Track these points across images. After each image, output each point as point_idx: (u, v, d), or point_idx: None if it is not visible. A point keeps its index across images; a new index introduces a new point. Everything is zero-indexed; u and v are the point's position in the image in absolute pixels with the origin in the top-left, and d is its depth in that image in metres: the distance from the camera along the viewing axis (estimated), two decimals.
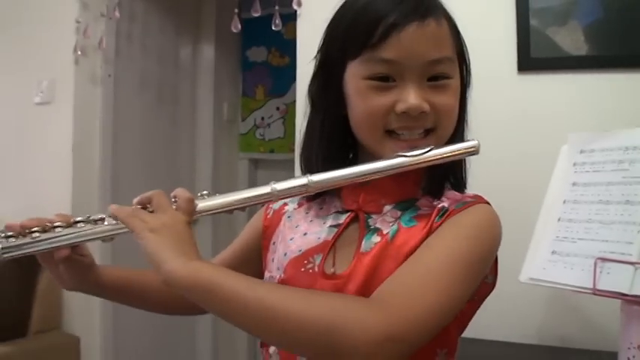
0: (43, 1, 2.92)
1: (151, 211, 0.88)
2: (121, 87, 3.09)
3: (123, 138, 3.12)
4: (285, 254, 0.99)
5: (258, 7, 2.37)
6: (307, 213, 1.03)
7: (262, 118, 3.94)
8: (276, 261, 1.01)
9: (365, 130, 0.93)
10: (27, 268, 2.66)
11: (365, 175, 0.89)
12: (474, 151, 0.89)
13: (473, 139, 0.90)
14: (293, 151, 3.75)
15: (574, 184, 1.41)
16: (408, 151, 0.87)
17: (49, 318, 2.77)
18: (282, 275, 0.97)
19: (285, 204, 1.07)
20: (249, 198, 0.90)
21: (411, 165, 0.87)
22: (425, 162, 0.88)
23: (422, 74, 0.88)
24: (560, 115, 1.89)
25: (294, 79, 2.33)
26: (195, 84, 3.76)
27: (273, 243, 1.05)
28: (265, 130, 3.94)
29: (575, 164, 1.43)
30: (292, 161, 2.31)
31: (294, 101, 2.26)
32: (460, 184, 0.99)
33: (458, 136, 0.96)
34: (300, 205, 1.05)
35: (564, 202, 1.39)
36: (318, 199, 1.01)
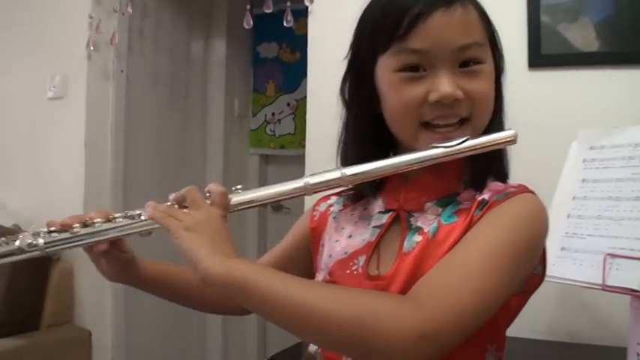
0: None
1: (186, 207, 0.88)
2: (133, 82, 3.11)
3: (135, 133, 3.14)
4: (330, 256, 0.99)
5: (270, 4, 2.38)
6: (352, 214, 1.03)
7: (273, 114, 3.94)
8: (322, 262, 1.01)
9: (400, 124, 0.92)
10: (39, 262, 2.69)
11: (399, 166, 0.88)
12: (512, 141, 0.87)
13: (510, 129, 0.88)
14: (303, 146, 3.70)
15: (584, 180, 1.41)
16: (443, 142, 0.86)
17: (61, 312, 2.79)
18: (328, 277, 0.98)
19: (331, 205, 1.08)
20: (282, 192, 0.90)
21: (447, 156, 0.86)
22: (460, 153, 0.86)
23: (453, 61, 0.87)
24: (570, 111, 1.89)
25: (304, 74, 2.34)
26: (206, 79, 3.77)
27: (322, 245, 1.05)
28: (276, 125, 3.94)
29: (584, 160, 1.43)
30: (302, 157, 2.32)
31: (305, 97, 2.26)
32: (502, 175, 0.96)
33: (495, 125, 0.93)
34: (345, 206, 1.05)
35: (574, 198, 1.39)
36: (362, 200, 1.02)
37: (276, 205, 3.78)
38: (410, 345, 0.70)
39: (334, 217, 1.05)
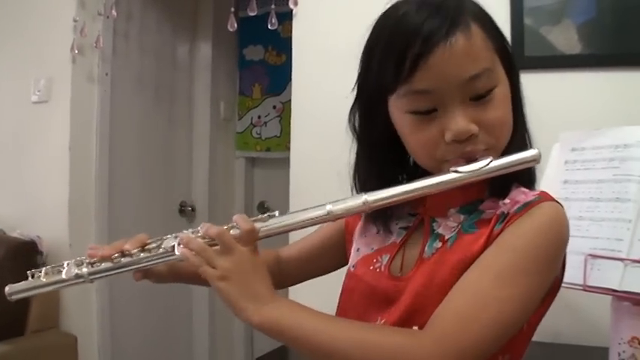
0: (41, 0, 2.93)
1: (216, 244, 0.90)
2: (118, 86, 3.10)
3: (120, 136, 3.12)
4: (358, 250, 1.03)
5: (255, 6, 2.38)
6: (383, 212, 1.01)
7: (259, 117, 3.94)
8: (351, 255, 1.05)
9: (421, 160, 0.92)
10: (24, 266, 2.66)
11: (421, 192, 0.87)
12: (535, 162, 0.86)
13: (533, 149, 0.86)
14: (289, 149, 3.73)
15: (565, 181, 1.42)
16: (464, 164, 0.85)
17: (47, 317, 2.77)
18: (353, 269, 1.02)
19: None
20: (306, 220, 0.92)
21: (468, 179, 0.85)
22: (481, 176, 0.85)
23: (463, 95, 0.84)
24: (553, 113, 1.88)
25: (290, 77, 2.34)
26: (192, 82, 3.77)
27: (354, 239, 1.08)
28: (262, 128, 3.93)
29: (566, 162, 1.44)
30: (288, 160, 2.33)
31: (290, 100, 2.26)
32: (529, 180, 0.94)
33: (517, 140, 0.91)
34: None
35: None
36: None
37: (264, 207, 3.78)
38: None
39: (366, 215, 1.06)
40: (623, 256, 1.21)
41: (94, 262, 0.99)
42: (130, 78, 3.25)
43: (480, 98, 0.84)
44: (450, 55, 0.81)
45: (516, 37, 1.95)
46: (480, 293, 0.79)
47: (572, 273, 1.25)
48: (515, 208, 0.86)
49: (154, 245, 0.97)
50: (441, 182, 0.86)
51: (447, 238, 0.91)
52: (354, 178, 1.00)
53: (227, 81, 3.96)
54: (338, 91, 2.17)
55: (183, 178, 3.67)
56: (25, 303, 2.65)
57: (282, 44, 3.69)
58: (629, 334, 1.20)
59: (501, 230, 0.86)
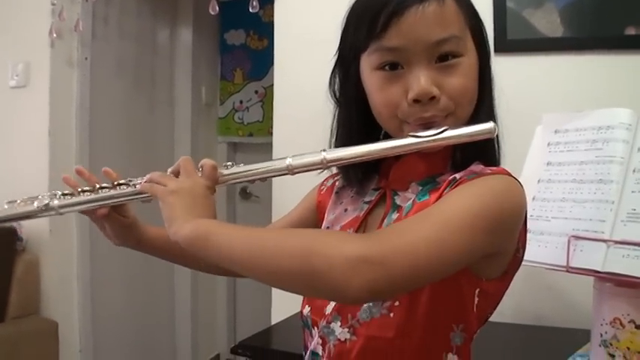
0: None
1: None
2: (98, 70, 3.07)
3: (100, 122, 3.10)
4: (328, 228, 1.05)
5: None
6: (351, 190, 1.06)
7: (241, 102, 3.93)
8: None
9: (383, 120, 0.93)
10: (4, 252, 2.65)
11: (377, 153, 0.90)
12: (490, 134, 0.86)
13: (490, 122, 0.86)
14: (272, 134, 3.72)
15: (548, 163, 1.42)
16: (422, 131, 0.87)
17: (27, 303, 2.75)
18: None
19: (337, 180, 1.11)
20: (266, 170, 0.96)
21: (425, 145, 0.87)
22: (438, 142, 0.87)
23: (429, 57, 0.87)
24: (535, 96, 1.90)
25: (272, 62, 2.33)
26: (172, 67, 3.74)
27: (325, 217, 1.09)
28: (244, 113, 3.92)
29: (549, 144, 1.44)
30: (271, 145, 2.32)
31: (273, 84, 2.25)
32: (491, 160, 0.95)
33: (480, 115, 0.92)
34: (347, 183, 1.07)
35: (539, 181, 1.40)
36: (363, 178, 1.04)
37: (246, 193, 3.78)
38: (351, 265, 0.69)
39: (336, 192, 1.09)
40: (605, 237, 1.20)
41: (67, 195, 1.06)
42: (110, 62, 3.22)
43: (444, 61, 0.87)
44: (421, 17, 0.85)
45: (499, 19, 1.95)
46: (426, 215, 0.79)
47: (556, 254, 1.27)
48: (469, 175, 0.87)
49: (123, 181, 1.05)
50: (397, 145, 0.88)
51: (403, 207, 0.94)
52: (330, 145, 1.02)
53: (208, 66, 3.94)
54: (320, 76, 2.19)
55: (165, 164, 3.49)
56: (4, 288, 2.63)
57: (264, 29, 3.69)
58: (611, 315, 1.20)
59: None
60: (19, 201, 1.10)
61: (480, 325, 0.93)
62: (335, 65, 1.01)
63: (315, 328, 0.97)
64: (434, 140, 0.86)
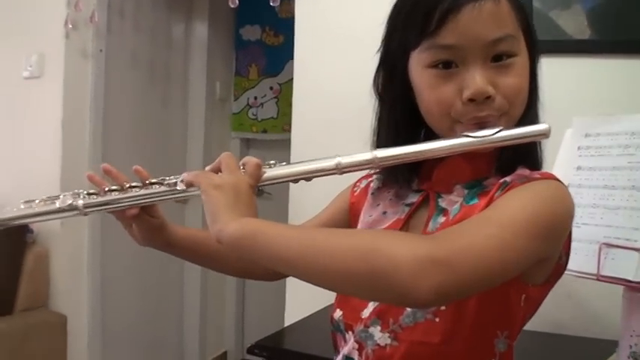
0: None
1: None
2: (112, 62, 3.05)
3: (113, 115, 3.08)
4: None
5: None
6: (389, 192, 1.03)
7: (255, 98, 3.90)
8: None
9: (434, 119, 0.90)
10: (14, 244, 2.63)
11: (429, 152, 0.88)
12: (544, 136, 0.85)
13: (544, 123, 0.86)
14: (286, 131, 3.71)
15: (578, 168, 1.38)
16: (476, 131, 0.85)
17: (36, 296, 2.73)
18: None
19: (371, 181, 1.08)
20: (313, 170, 0.91)
21: (478, 146, 0.85)
22: (491, 144, 0.85)
23: (484, 56, 0.85)
24: (563, 99, 1.85)
25: (288, 58, 2.31)
26: (187, 62, 3.72)
27: (359, 220, 1.06)
28: (258, 109, 3.89)
29: (579, 148, 1.41)
30: (285, 142, 2.30)
31: (288, 81, 2.22)
32: (535, 163, 0.94)
33: (529, 117, 0.91)
34: (384, 183, 1.05)
35: (568, 186, 1.35)
36: (398, 177, 1.01)
37: (259, 190, 3.74)
38: (420, 266, 0.67)
39: (372, 193, 1.06)
40: (638, 245, 1.17)
41: (92, 194, 0.98)
42: (125, 56, 3.19)
43: (499, 61, 0.85)
44: (477, 15, 0.83)
45: None
46: (485, 217, 0.79)
47: (586, 262, 1.23)
48: (520, 179, 0.86)
49: (155, 180, 0.97)
50: (451, 145, 0.86)
51: (450, 211, 0.91)
52: (372, 143, 0.99)
53: (223, 61, 3.91)
54: (341, 72, 2.19)
55: (178, 158, 3.63)
56: (14, 281, 2.62)
57: (280, 24, 3.68)
58: None
59: (501, 195, 0.85)
60: (37, 201, 1.00)
61: (521, 328, 0.91)
62: (380, 61, 0.97)
63: (350, 332, 0.95)
64: (489, 140, 0.85)
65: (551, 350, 1.69)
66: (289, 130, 3.65)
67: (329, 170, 0.90)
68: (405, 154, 0.88)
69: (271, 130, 3.83)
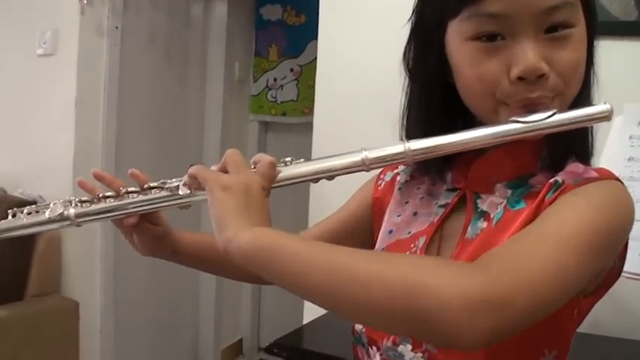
0: None
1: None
2: (128, 40, 2.97)
3: (129, 94, 3.00)
4: (391, 232, 0.92)
5: None
6: (418, 188, 0.93)
7: (275, 80, 3.80)
8: (380, 236, 0.94)
9: (476, 99, 0.79)
10: None
11: (472, 143, 0.77)
12: (606, 118, 0.74)
13: (604, 103, 0.75)
14: (306, 114, 3.67)
15: (630, 159, 1.31)
16: (525, 115, 0.74)
17: (48, 281, 2.68)
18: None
19: (398, 174, 0.98)
20: (336, 166, 0.80)
21: (529, 132, 0.74)
22: (545, 129, 0.74)
23: (537, 26, 0.73)
24: (610, 84, 1.74)
25: (309, 39, 2.21)
26: (205, 41, 3.63)
27: (384, 217, 0.96)
28: (278, 92, 3.80)
29: (631, 137, 1.32)
30: (304, 125, 2.22)
31: (309, 62, 2.12)
32: (585, 155, 0.84)
33: (583, 98, 0.80)
34: (412, 177, 0.95)
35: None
36: (431, 172, 0.91)
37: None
38: (470, 309, 0.58)
39: (399, 189, 0.96)
40: None
41: (85, 202, 0.88)
42: (141, 34, 3.11)
43: (555, 31, 0.74)
44: None
45: None
46: (539, 234, 0.68)
47: (637, 261, 1.12)
48: (574, 179, 0.76)
49: (154, 184, 0.87)
50: (498, 133, 0.75)
51: (492, 216, 0.81)
52: (402, 127, 0.90)
53: (242, 41, 3.82)
54: (366, 53, 2.08)
55: (194, 141, 3.56)
56: (25, 266, 2.56)
57: (302, 4, 3.58)
58: None
59: (554, 200, 0.75)
60: (25, 211, 0.91)
61: (571, 341, 0.81)
62: (411, 34, 0.86)
63: (374, 347, 0.85)
64: (542, 126, 0.74)
65: (584, 350, 1.59)
66: (309, 114, 3.60)
67: (354, 167, 0.80)
68: (443, 144, 0.77)
69: (291, 113, 3.74)
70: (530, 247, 0.66)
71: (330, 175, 0.81)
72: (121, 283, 2.98)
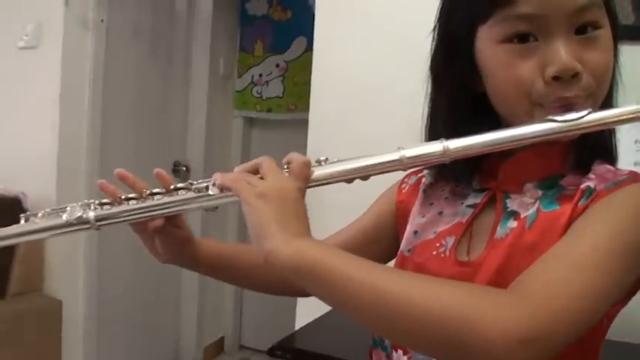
0: None
1: (260, 179, 0.79)
2: (114, 34, 2.92)
3: (114, 89, 2.95)
4: (416, 233, 0.91)
5: None
6: (443, 190, 0.93)
7: (260, 75, 3.76)
8: (405, 238, 0.93)
9: (509, 103, 0.80)
10: (7, 222, 2.49)
11: (507, 141, 0.76)
12: (638, 118, 0.74)
13: (636, 104, 0.75)
14: (292, 111, 3.65)
15: (636, 163, 1.33)
16: (561, 115, 0.74)
17: (30, 279, 2.63)
18: (408, 254, 0.91)
19: (423, 177, 0.97)
20: (372, 166, 0.79)
21: (564, 132, 0.74)
22: (581, 129, 0.74)
23: (568, 27, 0.74)
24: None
25: (296, 35, 2.16)
26: (190, 36, 3.58)
27: (409, 221, 0.95)
28: (263, 88, 3.75)
29: (637, 142, 1.33)
30: (290, 122, 2.16)
31: (295, 58, 2.08)
32: (610, 157, 0.84)
33: (609, 100, 0.82)
34: (436, 179, 0.95)
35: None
36: (457, 175, 0.90)
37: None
38: (512, 349, 0.61)
39: (424, 190, 0.95)
40: None
41: (106, 204, 0.85)
42: (126, 28, 3.06)
43: (585, 32, 0.75)
44: None
45: None
46: (575, 257, 0.69)
47: None
48: (605, 184, 0.77)
49: (181, 185, 0.84)
50: (536, 132, 0.75)
51: (523, 216, 0.81)
52: (426, 133, 0.91)
53: (227, 36, 3.77)
54: (366, 49, 2.05)
55: (178, 136, 3.51)
56: (6, 263, 2.50)
57: None
58: None
59: (586, 206, 0.76)
60: (40, 214, 0.87)
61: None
62: (438, 41, 0.87)
63: (399, 351, 0.85)
64: (579, 125, 0.74)
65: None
66: (295, 110, 3.58)
67: (391, 166, 0.78)
68: (480, 143, 0.76)
69: (276, 110, 3.69)
70: (567, 274, 0.67)
71: (366, 174, 0.79)
72: (103, 282, 2.93)
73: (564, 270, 0.67)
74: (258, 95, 3.77)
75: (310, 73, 2.09)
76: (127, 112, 3.11)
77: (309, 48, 3.31)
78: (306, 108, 2.12)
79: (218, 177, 0.80)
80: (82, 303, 2.80)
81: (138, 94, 3.19)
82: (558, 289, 0.66)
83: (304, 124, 2.08)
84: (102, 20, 2.79)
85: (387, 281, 0.67)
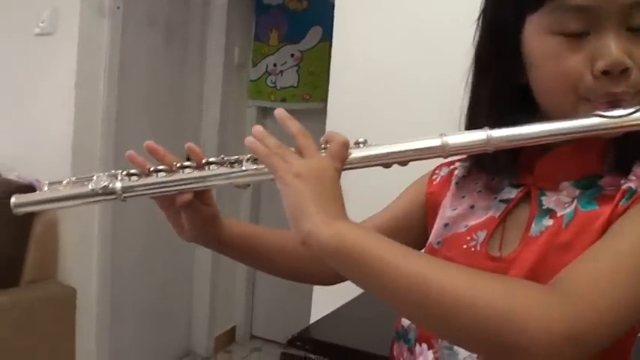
0: None
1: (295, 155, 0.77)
2: (130, 21, 2.90)
3: (129, 76, 2.94)
4: (447, 225, 0.90)
5: None
6: (476, 183, 0.90)
7: (275, 65, 3.73)
8: (435, 230, 0.91)
9: (554, 95, 0.78)
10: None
11: (552, 134, 0.75)
12: None
13: None
14: (307, 100, 3.62)
15: None
16: (609, 111, 0.72)
17: (44, 267, 2.62)
18: (437, 247, 0.89)
19: (455, 168, 0.95)
20: (413, 151, 0.77)
21: (609, 129, 0.72)
22: (626, 126, 0.72)
23: (620, 22, 0.72)
24: None
25: (311, 24, 2.12)
26: (205, 25, 3.55)
27: (439, 213, 0.94)
28: (277, 77, 3.72)
29: None
30: (304, 112, 2.13)
31: (310, 48, 2.04)
32: None
33: None
34: (469, 172, 0.92)
35: None
36: (493, 168, 0.88)
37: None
38: (556, 346, 0.60)
39: (457, 183, 0.93)
40: None
41: (133, 175, 0.83)
42: (142, 15, 3.04)
43: (634, 29, 0.74)
44: None
45: None
46: (617, 256, 0.68)
47: None
48: None
49: (213, 160, 0.82)
50: (581, 126, 0.73)
51: (560, 214, 0.79)
52: (468, 125, 0.88)
53: (242, 25, 3.74)
54: (386, 38, 2.02)
55: (192, 125, 3.49)
56: (21, 250, 2.49)
57: None
58: None
59: (627, 208, 0.74)
60: (65, 182, 0.84)
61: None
62: (484, 30, 0.85)
63: (424, 344, 0.83)
64: (627, 122, 0.72)
65: None
66: (310, 100, 3.55)
67: (433, 152, 0.76)
68: (524, 134, 0.75)
69: (291, 100, 3.66)
70: (609, 275, 0.66)
71: (405, 159, 0.77)
72: (117, 270, 2.93)
73: (608, 271, 0.66)
74: (273, 85, 3.74)
75: (325, 63, 2.06)
76: (142, 99, 3.10)
77: (325, 38, 3.30)
78: (320, 98, 2.09)
79: (251, 143, 0.77)
80: (95, 291, 2.79)
81: (153, 81, 3.18)
82: (603, 290, 0.65)
83: (319, 113, 2.05)
84: (118, 7, 2.77)
85: (426, 270, 0.66)
